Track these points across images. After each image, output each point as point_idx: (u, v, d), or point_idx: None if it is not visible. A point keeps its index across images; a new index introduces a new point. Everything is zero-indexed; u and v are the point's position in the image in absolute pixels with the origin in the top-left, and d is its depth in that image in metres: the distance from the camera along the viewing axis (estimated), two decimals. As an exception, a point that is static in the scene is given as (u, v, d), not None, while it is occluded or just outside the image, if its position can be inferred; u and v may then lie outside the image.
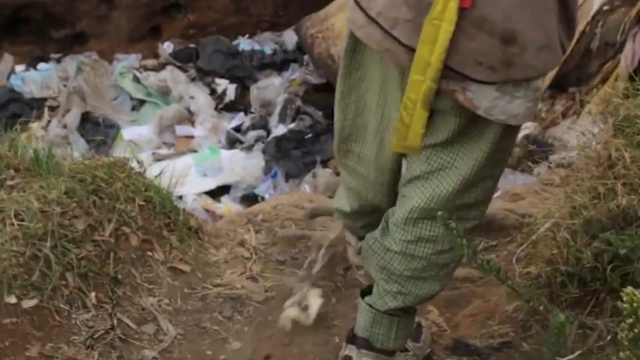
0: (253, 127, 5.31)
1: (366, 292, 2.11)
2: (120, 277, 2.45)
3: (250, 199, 4.69)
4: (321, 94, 5.62)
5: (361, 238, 2.21)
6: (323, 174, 4.90)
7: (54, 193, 2.42)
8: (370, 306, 2.06)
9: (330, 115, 5.67)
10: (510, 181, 3.70)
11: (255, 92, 5.50)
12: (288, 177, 4.89)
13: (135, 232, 2.59)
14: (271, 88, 5.53)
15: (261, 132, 5.26)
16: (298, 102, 5.49)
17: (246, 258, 2.87)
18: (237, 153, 5.00)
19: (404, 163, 1.98)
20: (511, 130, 1.87)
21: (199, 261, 2.73)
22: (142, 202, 2.68)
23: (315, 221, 3.13)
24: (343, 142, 2.13)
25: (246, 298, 2.59)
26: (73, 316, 2.31)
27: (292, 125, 5.33)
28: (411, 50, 1.70)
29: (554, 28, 1.75)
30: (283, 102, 5.44)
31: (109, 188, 2.55)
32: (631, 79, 5.07)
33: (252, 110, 5.49)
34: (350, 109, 2.06)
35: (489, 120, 1.78)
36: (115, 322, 2.35)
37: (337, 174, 4.99)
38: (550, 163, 3.72)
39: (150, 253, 2.59)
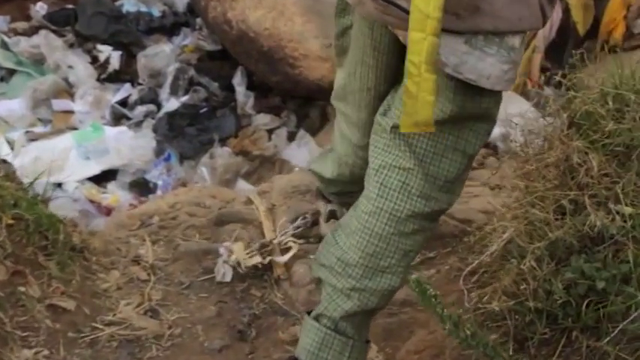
0: (141, 100, 4.73)
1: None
2: (-18, 326, 1.94)
3: (141, 185, 4.17)
4: (216, 62, 5.09)
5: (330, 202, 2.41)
6: (222, 154, 4.42)
7: None
8: (318, 321, 1.81)
9: (227, 86, 5.20)
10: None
11: (142, 61, 4.91)
12: (182, 158, 4.38)
13: (1, 261, 2.07)
14: (161, 55, 4.96)
15: (151, 106, 4.69)
16: (191, 71, 4.94)
17: (143, 281, 2.40)
18: (124, 131, 4.43)
19: None
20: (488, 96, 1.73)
21: (86, 291, 2.24)
22: (10, 221, 2.15)
23: (224, 230, 2.68)
24: (334, 98, 2.18)
25: (146, 340, 2.13)
26: None
27: (185, 98, 4.79)
28: None
29: None
30: (175, 72, 4.89)
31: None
32: (547, 51, 4.82)
33: (140, 81, 4.89)
34: (343, 69, 2.06)
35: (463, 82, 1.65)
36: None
37: (237, 154, 4.52)
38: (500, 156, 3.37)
39: (22, 289, 2.09)
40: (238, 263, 2.41)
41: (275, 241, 2.58)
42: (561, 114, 2.40)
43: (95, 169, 4.13)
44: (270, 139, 4.62)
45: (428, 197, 1.77)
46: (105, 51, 4.94)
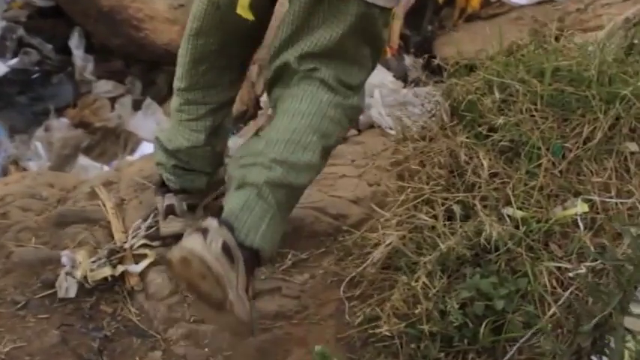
0: (-37, 65, 4.18)
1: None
2: None
3: (-35, 166, 3.67)
4: (50, 20, 4.56)
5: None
6: (59, 127, 3.97)
7: None
8: (242, 188, 1.85)
9: (62, 48, 4.68)
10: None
11: (-40, 19, 4.33)
12: (13, 132, 3.89)
13: None
14: (-17, 12, 4.39)
15: (-25, 73, 4.15)
16: (20, 31, 4.40)
17: (-35, 302, 2.01)
18: (-58, 101, 3.89)
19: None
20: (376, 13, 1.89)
21: None
22: None
23: (65, 233, 2.32)
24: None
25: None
26: None
27: (14, 62, 4.26)
28: None
29: None
30: (1, 31, 4.33)
31: None
32: (406, 18, 4.66)
33: (-41, 43, 4.32)
34: None
35: None
36: None
37: (76, 126, 4.08)
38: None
39: None
40: (84, 277, 2.07)
41: (126, 245, 2.26)
42: (443, 102, 2.22)
43: None
44: (113, 108, 4.21)
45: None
46: None
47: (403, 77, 4.31)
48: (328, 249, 2.29)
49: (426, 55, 4.39)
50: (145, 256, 2.21)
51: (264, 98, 4.14)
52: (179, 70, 2.18)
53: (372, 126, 3.82)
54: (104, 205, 2.43)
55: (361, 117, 4.03)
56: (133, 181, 2.56)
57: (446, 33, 4.65)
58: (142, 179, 2.56)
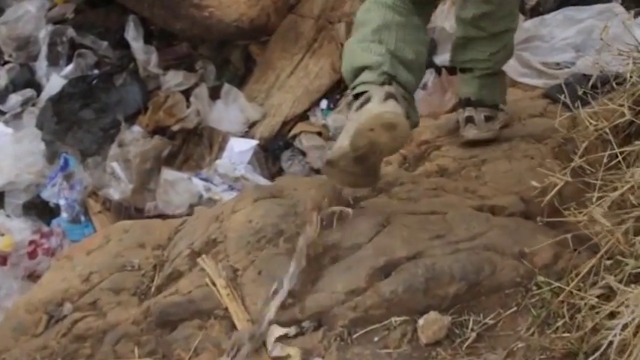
0: (13, 85, 3.66)
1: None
2: None
3: (39, 208, 3.19)
4: (99, 11, 4.02)
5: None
6: (133, 139, 3.45)
7: None
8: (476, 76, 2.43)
9: (119, 42, 4.11)
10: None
11: (3, 30, 3.79)
12: (84, 156, 3.38)
13: None
14: (26, 18, 3.84)
15: (28, 91, 3.63)
16: (70, 31, 3.86)
17: None
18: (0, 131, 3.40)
19: None
20: None
21: None
22: None
23: (174, 338, 1.80)
24: None
25: None
26: None
27: (69, 69, 3.74)
28: None
29: None
30: (48, 36, 3.80)
31: None
32: None
33: (7, 58, 3.80)
34: None
35: None
36: None
37: (152, 132, 3.54)
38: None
39: None
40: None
41: (256, 339, 1.72)
42: None
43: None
44: (188, 102, 3.64)
45: None
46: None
47: (520, 8, 3.57)
48: (521, 307, 1.70)
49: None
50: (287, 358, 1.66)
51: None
52: None
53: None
54: (214, 284, 1.89)
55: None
56: (242, 240, 1.99)
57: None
58: (252, 235, 1.99)
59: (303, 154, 3.40)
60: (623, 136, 1.76)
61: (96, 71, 3.79)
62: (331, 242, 1.98)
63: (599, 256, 1.56)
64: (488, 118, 2.49)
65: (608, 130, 1.65)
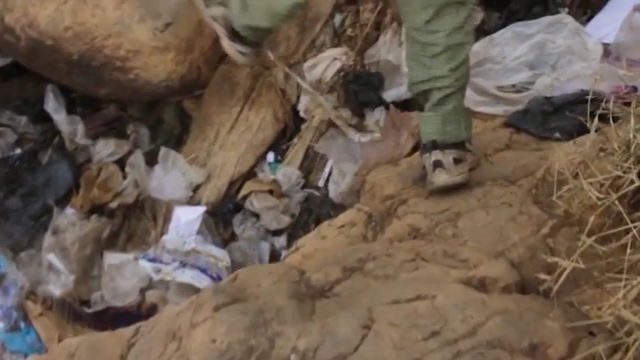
0: None
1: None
2: None
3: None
4: (13, 82, 3.67)
5: None
6: (68, 223, 3.12)
7: None
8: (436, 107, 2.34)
9: (39, 114, 3.77)
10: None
11: None
12: (15, 252, 3.05)
13: None
14: None
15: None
16: (-16, 109, 3.52)
17: None
18: None
19: None
20: None
21: None
22: None
23: None
24: None
25: None
26: None
27: (-11, 152, 3.40)
28: None
29: None
30: (-41, 117, 3.46)
31: None
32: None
33: None
34: None
35: None
36: None
37: (87, 213, 3.21)
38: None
39: None
40: None
41: None
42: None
43: None
44: (124, 173, 3.34)
45: None
46: None
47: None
48: None
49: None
50: None
51: (303, 105, 3.25)
52: None
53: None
54: None
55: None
56: (207, 365, 1.72)
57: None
58: (220, 357, 1.72)
59: (256, 216, 3.13)
60: (632, 202, 1.54)
61: (18, 150, 3.46)
62: (310, 349, 1.72)
63: (630, 355, 1.33)
64: (457, 161, 2.34)
65: (617, 202, 1.43)
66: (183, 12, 3.21)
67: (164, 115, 3.56)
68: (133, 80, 3.19)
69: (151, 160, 3.40)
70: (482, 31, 3.35)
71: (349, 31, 3.35)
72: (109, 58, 3.16)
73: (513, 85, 3.09)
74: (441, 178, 2.34)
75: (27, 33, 3.21)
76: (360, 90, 3.14)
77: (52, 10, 3.16)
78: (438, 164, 2.34)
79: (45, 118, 3.48)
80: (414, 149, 2.90)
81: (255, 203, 3.11)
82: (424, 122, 2.39)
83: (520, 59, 3.14)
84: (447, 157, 2.33)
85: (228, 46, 2.89)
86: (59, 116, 3.42)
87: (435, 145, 2.36)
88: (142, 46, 3.13)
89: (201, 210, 3.18)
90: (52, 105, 3.43)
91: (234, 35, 2.86)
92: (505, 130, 2.85)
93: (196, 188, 3.30)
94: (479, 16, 3.36)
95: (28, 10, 3.20)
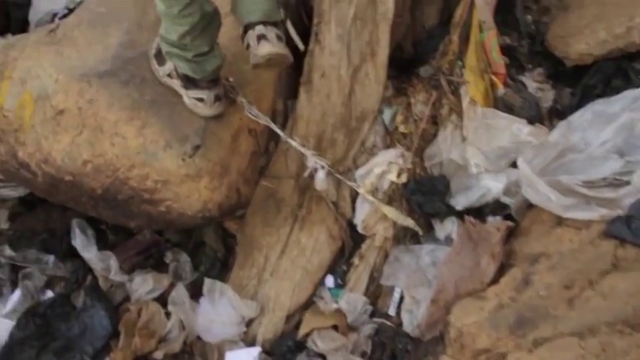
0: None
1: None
2: None
3: None
4: (38, 212, 3.36)
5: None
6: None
7: None
8: None
9: (69, 251, 3.42)
10: None
11: None
12: None
13: None
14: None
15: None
16: (6, 249, 3.19)
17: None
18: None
19: None
20: None
21: None
22: None
23: None
24: None
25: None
26: None
27: (15, 302, 3.06)
28: None
29: None
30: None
31: None
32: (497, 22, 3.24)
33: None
34: None
35: None
36: None
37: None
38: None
39: None
40: None
41: None
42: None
43: None
44: (167, 313, 2.96)
45: None
46: None
47: (537, 114, 2.92)
48: None
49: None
50: None
51: (359, 219, 2.85)
52: None
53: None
54: None
55: (513, 201, 2.72)
56: None
57: (555, 15, 3.25)
58: None
59: (322, 357, 2.72)
60: None
61: (48, 292, 3.11)
62: None
63: None
64: (279, 38, 2.51)
65: None
66: (213, 129, 2.84)
67: (205, 237, 3.19)
68: (165, 213, 2.82)
69: (195, 291, 3.02)
70: (554, 112, 2.91)
71: (402, 128, 2.94)
72: (135, 191, 2.80)
73: (604, 179, 2.63)
74: (265, 49, 2.45)
75: (43, 169, 2.87)
76: (424, 200, 2.73)
77: (66, 144, 2.81)
78: (262, 37, 2.46)
79: (74, 254, 3.14)
80: (499, 273, 2.47)
81: (320, 343, 2.70)
82: (248, 3, 2.49)
83: (606, 145, 2.69)
84: (271, 32, 2.47)
85: (187, 100, 2.75)
86: (89, 254, 3.07)
87: (259, 23, 2.47)
88: (170, 175, 2.75)
89: (256, 352, 2.79)
90: (80, 242, 3.08)
91: (188, 81, 2.70)
92: (607, 242, 2.41)
93: (249, 322, 2.91)
94: (549, 95, 2.92)
95: (41, 144, 2.85)
